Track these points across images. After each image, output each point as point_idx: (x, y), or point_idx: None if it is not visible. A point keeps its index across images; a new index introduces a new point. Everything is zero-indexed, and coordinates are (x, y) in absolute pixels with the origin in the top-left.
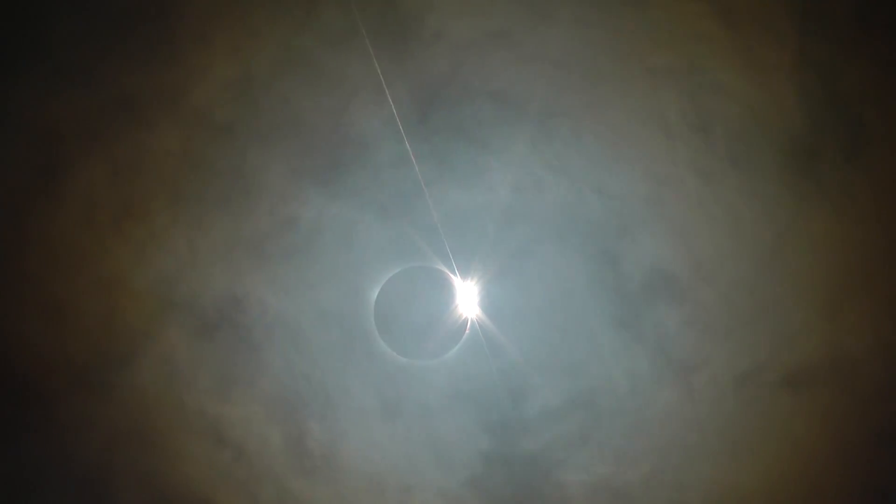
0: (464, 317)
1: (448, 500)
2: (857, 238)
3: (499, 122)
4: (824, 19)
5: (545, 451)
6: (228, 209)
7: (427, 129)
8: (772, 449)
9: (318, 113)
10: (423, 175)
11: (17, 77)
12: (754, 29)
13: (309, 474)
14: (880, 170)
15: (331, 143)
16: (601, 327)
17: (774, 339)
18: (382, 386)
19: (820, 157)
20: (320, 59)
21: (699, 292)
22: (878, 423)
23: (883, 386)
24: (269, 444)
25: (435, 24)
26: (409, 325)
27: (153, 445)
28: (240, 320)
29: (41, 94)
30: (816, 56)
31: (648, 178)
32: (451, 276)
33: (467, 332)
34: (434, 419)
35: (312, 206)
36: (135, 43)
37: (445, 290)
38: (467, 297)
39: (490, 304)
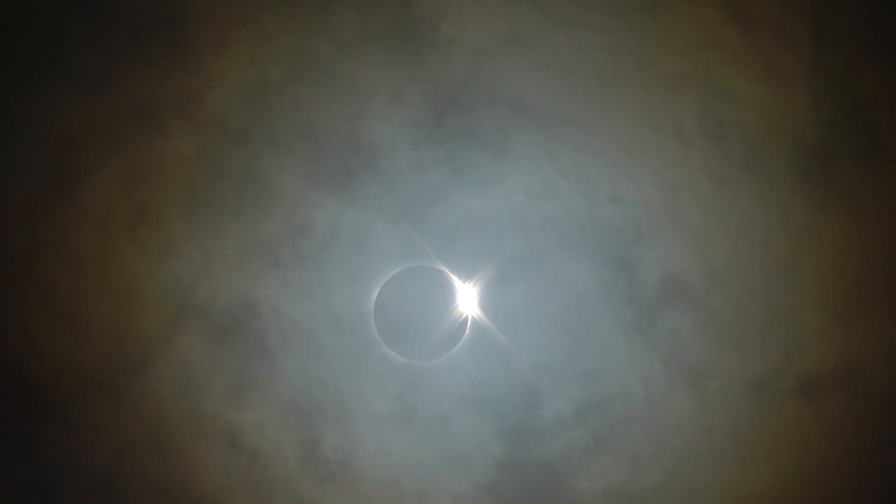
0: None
1: None
2: (872, 244)
3: (513, 128)
4: (839, 26)
5: (560, 457)
6: (242, 215)
7: (441, 134)
8: (785, 455)
9: (332, 118)
10: (438, 181)
11: (32, 83)
12: (770, 35)
13: (323, 480)
14: (895, 176)
15: (345, 148)
16: (615, 334)
17: (788, 346)
18: (397, 392)
19: (835, 163)
20: (334, 64)
21: (713, 299)
22: (892, 429)
23: None
24: (284, 449)
25: (449, 30)
26: (421, 330)
27: (167, 451)
28: (254, 326)
29: (55, 100)
30: (831, 62)
31: (663, 185)
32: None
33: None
34: (449, 425)
35: (327, 211)
36: (149, 49)
37: (457, 295)
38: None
39: (504, 310)
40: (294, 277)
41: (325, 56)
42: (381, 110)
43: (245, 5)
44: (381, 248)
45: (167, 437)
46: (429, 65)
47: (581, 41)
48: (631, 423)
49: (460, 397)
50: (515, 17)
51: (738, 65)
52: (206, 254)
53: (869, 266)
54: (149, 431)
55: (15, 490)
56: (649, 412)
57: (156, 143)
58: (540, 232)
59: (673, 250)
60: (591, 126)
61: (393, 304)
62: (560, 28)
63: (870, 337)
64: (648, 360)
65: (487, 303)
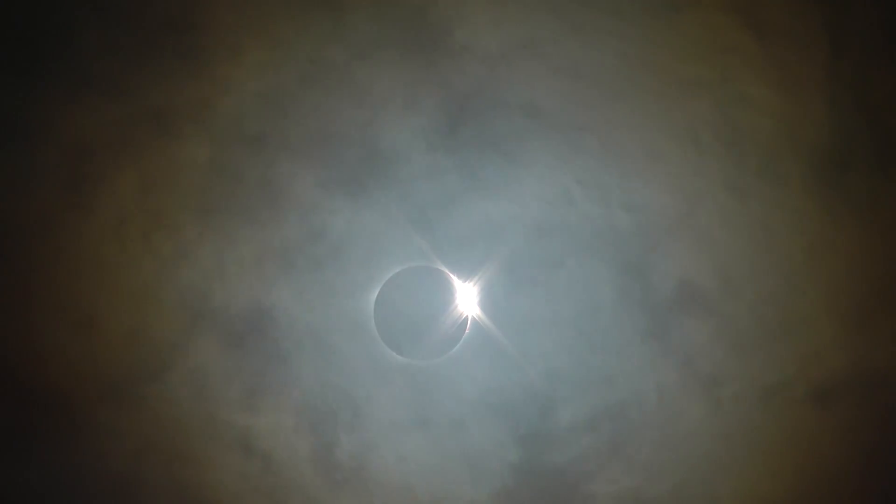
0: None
1: None
2: (887, 251)
3: (528, 134)
4: (854, 33)
5: (574, 463)
6: (257, 221)
7: (456, 140)
8: (799, 463)
9: (346, 124)
10: (452, 187)
11: (48, 90)
12: (785, 42)
13: (338, 486)
14: None
15: (359, 154)
16: (630, 340)
17: (803, 353)
18: (411, 397)
19: (850, 169)
20: (349, 71)
21: (728, 306)
22: None
23: None
24: (298, 455)
25: (464, 36)
26: (430, 335)
27: (182, 456)
28: (268, 331)
29: (71, 106)
30: (846, 69)
31: (678, 192)
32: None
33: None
34: (464, 431)
35: (341, 217)
36: (165, 56)
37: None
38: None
39: (518, 316)
40: (308, 283)
41: (339, 62)
42: (396, 116)
43: (260, 12)
44: (394, 254)
45: (182, 443)
46: (443, 71)
47: (596, 47)
48: (645, 430)
49: (475, 403)
50: (530, 24)
51: (753, 71)
52: (221, 260)
53: (884, 273)
54: (164, 436)
55: (31, 495)
56: (664, 418)
57: (171, 150)
58: (554, 238)
59: (688, 257)
60: (605, 132)
61: (395, 307)
62: (574, 34)
63: (884, 344)
64: (663, 367)
65: (501, 308)
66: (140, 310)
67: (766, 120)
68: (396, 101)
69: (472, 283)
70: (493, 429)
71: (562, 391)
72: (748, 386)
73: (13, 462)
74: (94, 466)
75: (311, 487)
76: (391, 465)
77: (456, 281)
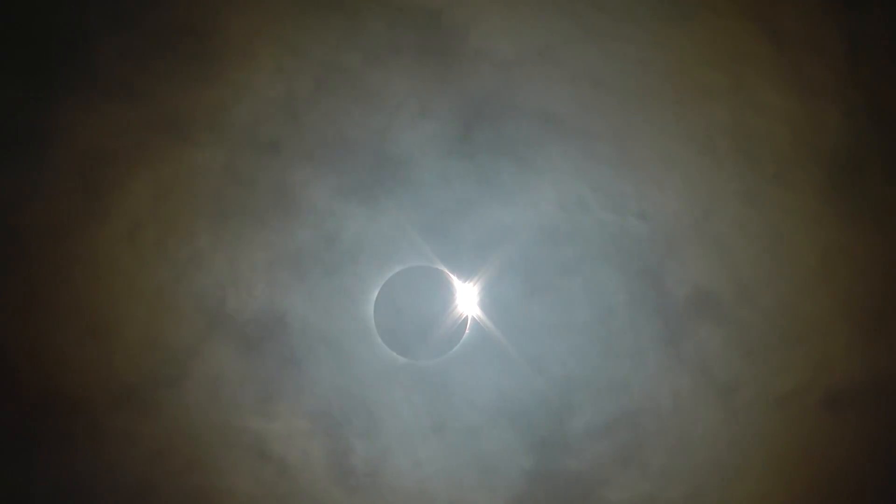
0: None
1: None
2: None
3: (543, 140)
4: (870, 39)
5: (588, 469)
6: (271, 226)
7: (470, 146)
8: (813, 470)
9: (360, 130)
10: (466, 193)
11: (61, 95)
12: (801, 48)
13: (352, 491)
14: None
15: (373, 160)
16: (644, 346)
17: (817, 360)
18: (426, 402)
19: (865, 176)
20: (363, 76)
21: (742, 312)
22: None
23: None
24: (313, 460)
25: (478, 42)
26: (440, 339)
27: (196, 461)
28: (282, 337)
29: (84, 111)
30: (862, 75)
31: (692, 198)
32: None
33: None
34: (478, 437)
35: (355, 222)
36: (178, 61)
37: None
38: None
39: (532, 322)
40: (323, 288)
41: (353, 68)
42: (410, 122)
43: (274, 17)
44: (409, 260)
45: (197, 448)
46: (458, 77)
47: (611, 53)
48: (659, 436)
49: (490, 408)
50: (545, 29)
51: (769, 78)
52: (236, 265)
53: None
54: (179, 442)
55: (45, 501)
56: (678, 425)
57: (185, 155)
58: (569, 244)
59: (702, 263)
60: (620, 138)
61: (396, 310)
62: (589, 40)
63: None
64: (677, 373)
65: (516, 315)
66: (155, 315)
67: (781, 127)
68: (411, 106)
69: (480, 287)
70: (508, 435)
71: (576, 397)
72: (763, 392)
73: (28, 468)
74: (108, 472)
75: (325, 493)
76: (406, 471)
77: (468, 286)
